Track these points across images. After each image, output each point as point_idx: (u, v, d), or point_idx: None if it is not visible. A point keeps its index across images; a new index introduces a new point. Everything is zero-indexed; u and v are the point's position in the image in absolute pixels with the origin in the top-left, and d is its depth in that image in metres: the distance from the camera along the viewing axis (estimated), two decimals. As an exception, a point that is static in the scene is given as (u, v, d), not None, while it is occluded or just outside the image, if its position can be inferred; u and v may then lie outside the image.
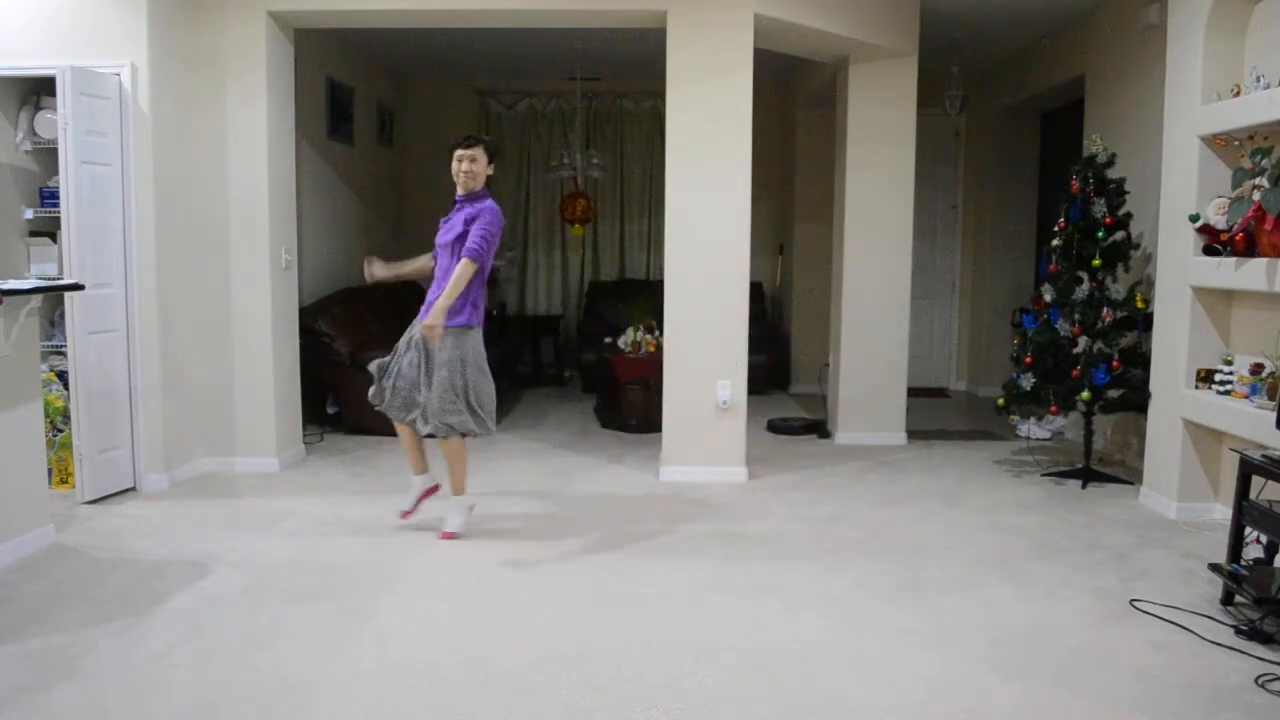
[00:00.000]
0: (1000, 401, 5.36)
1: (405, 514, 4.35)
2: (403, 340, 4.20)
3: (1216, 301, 4.43)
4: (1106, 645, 3.10)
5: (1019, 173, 7.92)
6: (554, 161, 8.28)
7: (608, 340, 6.81)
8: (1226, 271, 4.15)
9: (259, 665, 2.90)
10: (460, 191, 4.13)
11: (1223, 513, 4.36)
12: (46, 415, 4.55)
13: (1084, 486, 5.12)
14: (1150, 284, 5.13)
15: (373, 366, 4.22)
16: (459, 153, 4.11)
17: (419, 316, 4.14)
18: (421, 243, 8.72)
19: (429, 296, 4.16)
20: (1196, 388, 4.44)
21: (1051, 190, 7.32)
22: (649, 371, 6.23)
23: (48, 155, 4.92)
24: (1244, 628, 3.17)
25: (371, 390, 4.20)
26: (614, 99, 8.83)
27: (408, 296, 7.87)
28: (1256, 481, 3.43)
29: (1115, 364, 4.97)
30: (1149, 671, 2.91)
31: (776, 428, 6.58)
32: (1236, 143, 4.22)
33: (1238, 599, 3.37)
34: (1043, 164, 7.84)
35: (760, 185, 6.09)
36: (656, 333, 6.37)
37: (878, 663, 2.96)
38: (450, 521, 4.19)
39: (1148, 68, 5.35)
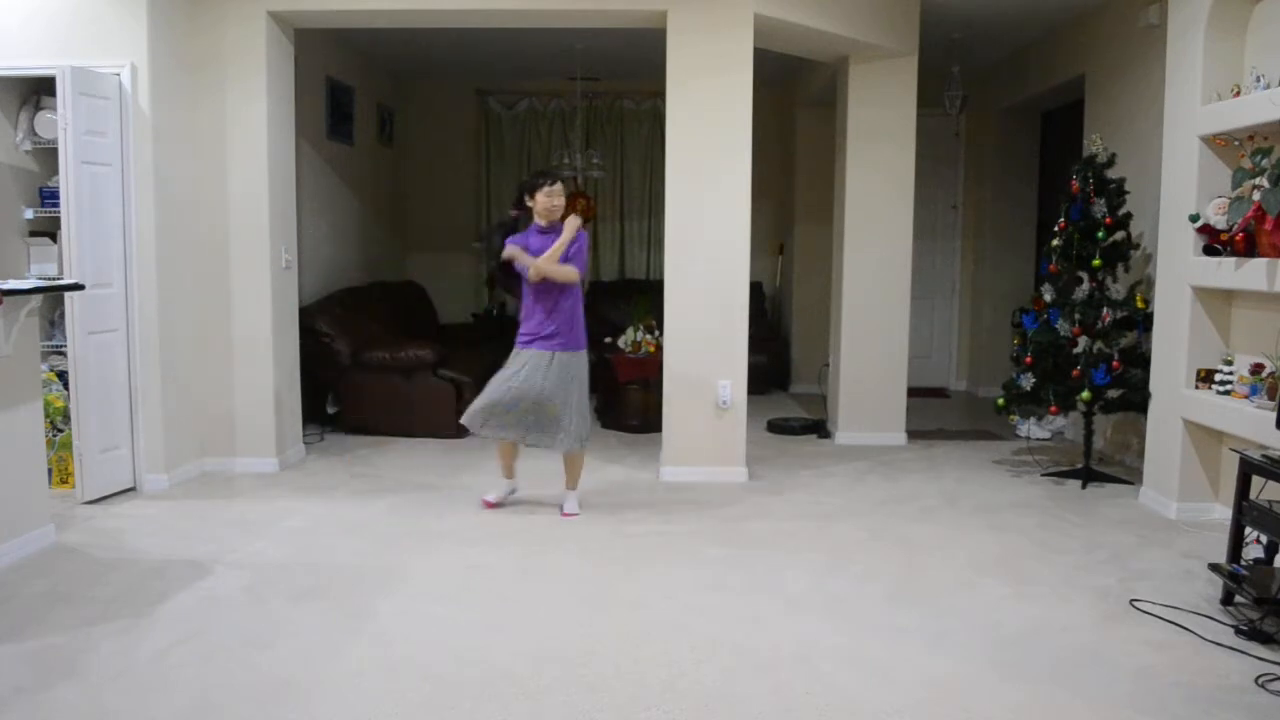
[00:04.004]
0: (1000, 401, 5.36)
1: (492, 503, 4.71)
2: (522, 376, 4.43)
3: (1216, 301, 4.43)
4: (1106, 645, 3.10)
5: (1019, 173, 7.92)
6: (554, 161, 8.28)
7: (608, 340, 6.81)
8: (1226, 271, 4.15)
9: (259, 665, 2.90)
10: (543, 223, 4.47)
11: (1223, 513, 4.35)
12: (46, 415, 4.55)
13: (1084, 486, 5.12)
14: (1150, 284, 5.13)
15: (485, 409, 4.46)
16: (551, 188, 4.45)
17: (532, 346, 4.45)
18: (423, 242, 8.87)
19: (535, 327, 4.46)
20: (1196, 388, 4.44)
21: (1051, 190, 7.32)
22: (649, 371, 6.23)
23: (48, 155, 4.92)
24: (1244, 628, 3.17)
25: (492, 424, 4.47)
26: (614, 99, 8.83)
27: (408, 298, 7.89)
28: (1256, 481, 3.43)
29: (1115, 364, 4.97)
30: (1149, 671, 2.91)
31: (776, 428, 6.58)
32: (1236, 143, 4.22)
33: (1238, 599, 3.37)
34: (1043, 164, 7.84)
35: (760, 185, 6.08)
36: (656, 333, 6.37)
37: (878, 663, 2.96)
38: (571, 505, 4.66)
39: (1148, 68, 5.35)
